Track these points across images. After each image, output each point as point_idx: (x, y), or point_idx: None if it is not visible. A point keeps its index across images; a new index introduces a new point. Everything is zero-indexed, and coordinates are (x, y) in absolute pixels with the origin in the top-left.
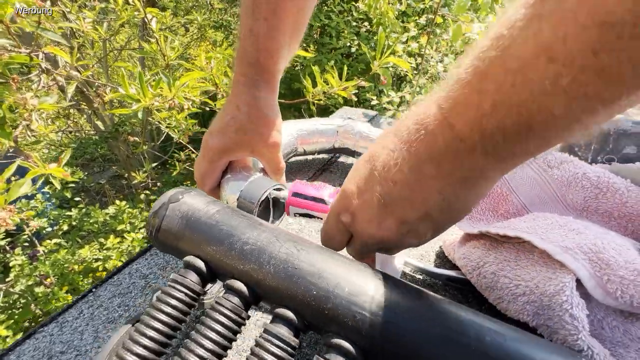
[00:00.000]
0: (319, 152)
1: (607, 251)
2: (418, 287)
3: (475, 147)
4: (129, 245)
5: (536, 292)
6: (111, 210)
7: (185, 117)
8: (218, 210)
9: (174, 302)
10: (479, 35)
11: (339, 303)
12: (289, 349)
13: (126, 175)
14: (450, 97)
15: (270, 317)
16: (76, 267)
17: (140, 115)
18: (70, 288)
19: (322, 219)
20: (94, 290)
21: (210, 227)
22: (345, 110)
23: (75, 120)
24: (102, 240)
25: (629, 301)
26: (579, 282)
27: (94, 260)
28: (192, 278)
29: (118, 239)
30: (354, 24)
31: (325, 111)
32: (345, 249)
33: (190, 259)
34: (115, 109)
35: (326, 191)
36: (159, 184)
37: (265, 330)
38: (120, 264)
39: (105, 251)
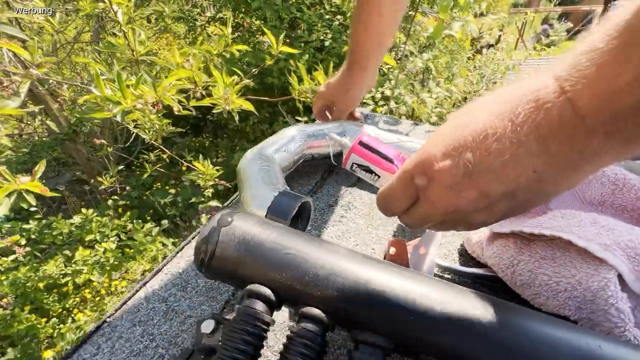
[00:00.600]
0: (328, 157)
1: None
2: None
3: (596, 127)
4: (101, 257)
5: (579, 288)
6: (77, 219)
7: (159, 117)
8: (278, 233)
9: (248, 337)
10: (458, 34)
11: (427, 326)
12: None
13: (88, 179)
14: (575, 69)
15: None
16: (41, 284)
17: (119, 118)
18: (33, 307)
19: (378, 177)
20: (108, 320)
21: (275, 252)
22: None
23: (28, 122)
24: (67, 252)
25: None
26: (619, 277)
27: (61, 276)
28: (261, 308)
29: (88, 251)
30: (327, 17)
31: (308, 109)
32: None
33: (255, 287)
34: (81, 112)
35: (393, 151)
36: (128, 187)
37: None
38: (93, 276)
39: (73, 265)
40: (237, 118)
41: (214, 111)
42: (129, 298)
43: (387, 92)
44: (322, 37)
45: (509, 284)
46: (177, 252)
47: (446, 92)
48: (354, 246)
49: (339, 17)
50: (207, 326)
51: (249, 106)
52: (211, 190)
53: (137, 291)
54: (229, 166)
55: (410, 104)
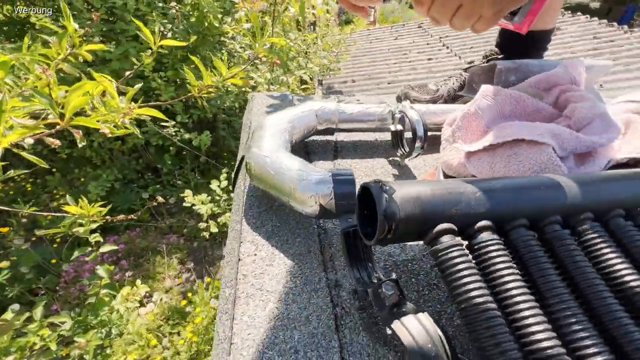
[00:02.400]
0: (306, 137)
1: (555, 130)
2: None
3: None
4: None
5: (536, 163)
6: None
7: None
8: (432, 184)
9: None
10: (319, 11)
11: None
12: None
13: None
14: None
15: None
16: None
17: None
18: None
19: None
20: None
21: (443, 196)
22: (263, 97)
23: None
24: None
25: (568, 150)
26: (553, 150)
27: None
28: (452, 240)
29: None
30: (160, 4)
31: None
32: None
33: (444, 226)
34: None
35: None
36: None
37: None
38: None
39: None
40: (138, 133)
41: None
42: None
43: (267, 75)
44: (161, 29)
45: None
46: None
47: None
48: None
49: (174, 4)
50: (388, 288)
51: (156, 113)
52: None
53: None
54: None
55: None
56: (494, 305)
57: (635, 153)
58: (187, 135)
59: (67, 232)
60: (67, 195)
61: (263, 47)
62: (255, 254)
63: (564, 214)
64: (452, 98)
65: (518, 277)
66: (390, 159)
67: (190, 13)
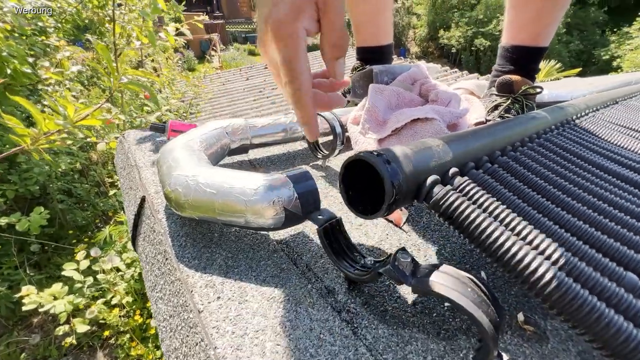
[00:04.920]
0: (221, 159)
1: (435, 108)
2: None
3: None
4: None
5: (430, 131)
6: None
7: None
8: (407, 146)
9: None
10: (171, 40)
11: None
12: None
13: None
14: None
15: None
16: None
17: None
18: None
19: None
20: None
21: (422, 153)
22: (139, 133)
23: None
24: None
25: (446, 121)
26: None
27: None
28: (444, 187)
29: None
30: None
31: None
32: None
33: (432, 178)
34: None
35: None
36: None
37: None
38: None
39: None
40: None
41: None
42: None
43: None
44: None
45: None
46: None
47: None
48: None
49: None
50: (405, 256)
51: None
52: None
53: None
54: None
55: None
56: (501, 226)
57: (480, 118)
58: (4, 220)
59: None
60: None
61: (120, 80)
62: (218, 297)
63: (485, 153)
64: None
65: (499, 202)
66: (312, 164)
67: None
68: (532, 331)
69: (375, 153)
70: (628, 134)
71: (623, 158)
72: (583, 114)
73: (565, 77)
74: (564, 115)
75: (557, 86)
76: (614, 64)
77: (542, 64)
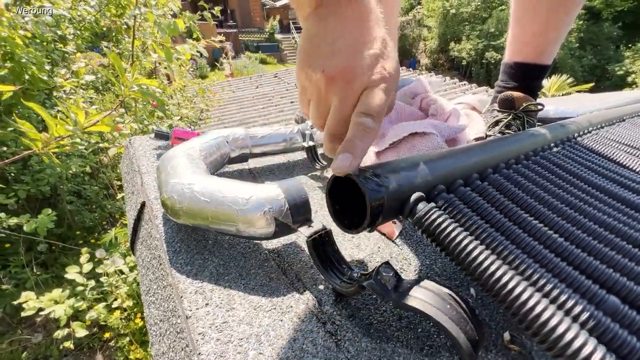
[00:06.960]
0: (220, 167)
1: (433, 123)
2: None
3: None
4: None
5: (428, 146)
6: None
7: None
8: (393, 162)
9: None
10: (187, 55)
11: None
12: None
13: None
14: None
15: None
16: None
17: None
18: None
19: None
20: None
21: (407, 170)
22: (145, 139)
23: None
24: None
25: (445, 136)
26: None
27: None
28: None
29: None
30: None
31: None
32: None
33: (416, 195)
34: None
35: None
36: None
37: None
38: None
39: None
40: None
41: None
42: None
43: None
44: None
45: None
46: None
47: None
48: None
49: None
50: (387, 270)
51: None
52: None
53: None
54: None
55: None
56: (481, 244)
57: (480, 133)
58: (13, 221)
59: None
60: None
61: (130, 89)
62: (206, 304)
63: (477, 170)
64: None
65: (483, 221)
66: (310, 174)
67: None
68: (517, 351)
69: (359, 169)
70: (630, 152)
71: (621, 177)
72: (585, 131)
73: (577, 91)
74: (565, 133)
75: (564, 102)
76: (629, 79)
77: (554, 78)
